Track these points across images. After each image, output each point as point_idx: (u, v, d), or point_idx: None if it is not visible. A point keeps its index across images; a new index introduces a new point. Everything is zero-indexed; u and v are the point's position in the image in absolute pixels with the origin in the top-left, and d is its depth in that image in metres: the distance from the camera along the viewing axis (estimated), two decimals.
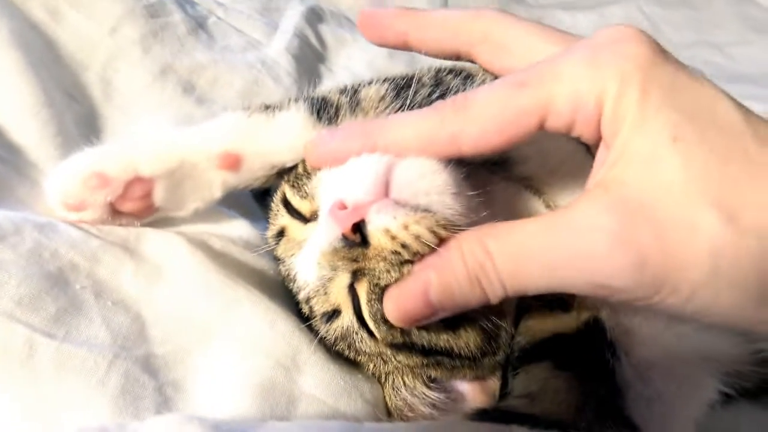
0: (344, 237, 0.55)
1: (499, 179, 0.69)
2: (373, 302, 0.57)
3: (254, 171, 0.67)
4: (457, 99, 0.44)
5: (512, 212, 0.67)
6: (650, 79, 0.42)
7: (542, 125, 0.45)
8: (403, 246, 0.53)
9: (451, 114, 0.45)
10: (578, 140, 0.49)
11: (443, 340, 0.60)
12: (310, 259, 0.60)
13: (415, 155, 0.51)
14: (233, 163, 0.66)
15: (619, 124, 0.43)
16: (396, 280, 0.54)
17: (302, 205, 0.64)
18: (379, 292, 0.56)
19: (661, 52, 0.44)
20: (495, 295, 0.47)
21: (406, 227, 0.52)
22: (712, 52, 1.67)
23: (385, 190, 0.54)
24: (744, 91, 1.32)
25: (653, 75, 0.42)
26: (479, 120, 0.45)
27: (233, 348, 0.58)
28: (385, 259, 0.54)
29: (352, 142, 0.51)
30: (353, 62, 1.14)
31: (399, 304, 0.51)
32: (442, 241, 0.53)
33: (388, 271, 0.54)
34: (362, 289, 0.58)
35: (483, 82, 0.67)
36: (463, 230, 0.54)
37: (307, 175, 0.64)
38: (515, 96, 0.44)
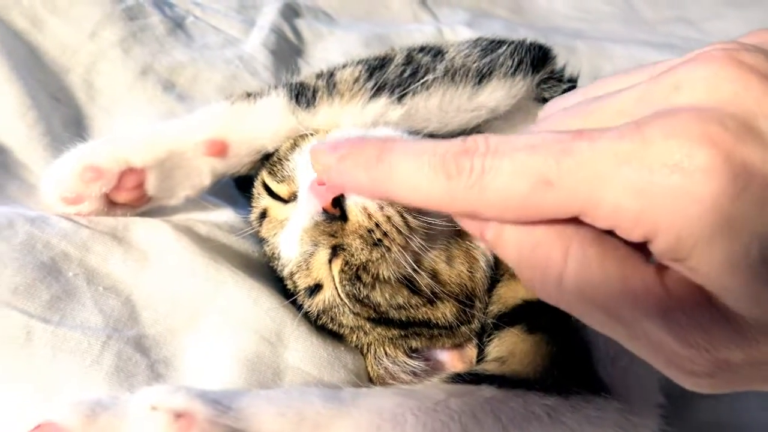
0: (324, 211, 0.59)
1: None
2: (344, 281, 0.61)
3: (241, 156, 0.70)
4: (474, 169, 0.33)
5: None
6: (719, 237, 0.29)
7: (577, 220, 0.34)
8: (377, 225, 0.58)
9: (463, 190, 0.34)
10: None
11: (421, 312, 0.64)
12: (293, 235, 0.64)
13: None
14: (220, 149, 0.69)
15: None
16: (367, 261, 0.59)
17: (280, 189, 0.68)
18: (350, 271, 0.60)
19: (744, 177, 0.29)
20: None
21: (381, 207, 0.58)
22: (687, 27, 1.70)
23: None
24: None
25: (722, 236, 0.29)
26: (494, 208, 0.34)
27: (220, 326, 0.61)
28: (361, 236, 0.59)
29: (358, 173, 0.38)
30: (330, 54, 1.17)
31: None
32: (410, 227, 0.58)
33: (362, 250, 0.59)
34: (336, 268, 0.61)
35: (452, 59, 0.69)
36: (431, 219, 0.58)
37: (283, 160, 0.68)
38: (538, 196, 0.32)
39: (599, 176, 0.31)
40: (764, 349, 0.31)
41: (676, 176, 0.29)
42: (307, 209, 0.61)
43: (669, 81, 0.33)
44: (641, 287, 0.32)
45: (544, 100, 0.71)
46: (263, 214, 0.70)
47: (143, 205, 0.70)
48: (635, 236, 0.31)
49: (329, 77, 0.70)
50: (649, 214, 0.30)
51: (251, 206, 0.73)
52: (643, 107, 0.33)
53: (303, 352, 0.62)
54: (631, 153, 0.30)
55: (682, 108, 0.31)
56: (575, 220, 0.33)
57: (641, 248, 0.33)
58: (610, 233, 0.33)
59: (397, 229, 0.58)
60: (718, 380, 0.33)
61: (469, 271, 0.64)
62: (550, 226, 0.34)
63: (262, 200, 0.70)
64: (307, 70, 1.12)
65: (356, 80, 0.68)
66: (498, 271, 0.67)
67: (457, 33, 1.36)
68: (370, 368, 0.68)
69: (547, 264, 0.34)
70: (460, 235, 0.64)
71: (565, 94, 0.42)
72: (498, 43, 0.71)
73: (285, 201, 0.68)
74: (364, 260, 0.60)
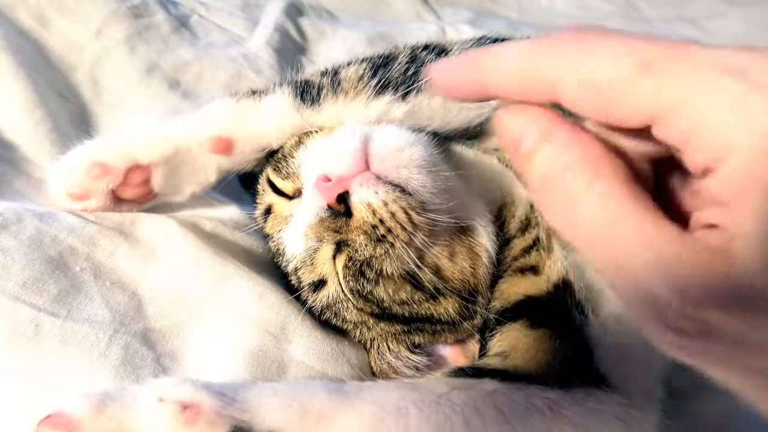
0: (329, 207, 0.60)
1: (474, 152, 0.74)
2: (348, 277, 0.62)
3: (246, 153, 0.71)
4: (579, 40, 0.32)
5: (487, 188, 0.71)
6: None
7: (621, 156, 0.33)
8: (381, 221, 0.59)
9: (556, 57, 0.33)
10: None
11: (424, 308, 0.65)
12: (297, 231, 0.64)
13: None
14: (225, 147, 0.70)
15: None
16: (370, 257, 0.60)
17: (285, 185, 0.68)
18: (354, 267, 0.61)
19: None
20: None
21: (385, 204, 0.58)
22: (687, 26, 1.71)
23: (366, 163, 0.59)
24: None
25: None
26: (586, 83, 0.32)
27: (225, 320, 0.62)
28: (365, 232, 0.59)
29: (465, 74, 0.39)
30: (333, 52, 1.18)
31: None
32: (413, 223, 0.58)
33: (366, 246, 0.60)
34: (340, 263, 0.62)
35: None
36: (435, 216, 0.59)
37: (288, 157, 0.69)
38: (630, 81, 0.31)
39: (698, 78, 0.29)
40: (756, 326, 0.29)
41: None
42: (312, 205, 0.62)
43: None
44: (658, 244, 0.30)
45: None
46: (268, 211, 0.70)
47: (149, 201, 0.70)
48: (705, 154, 0.29)
49: (334, 75, 0.70)
50: (733, 132, 0.28)
51: (256, 203, 0.74)
52: None
53: (307, 346, 0.63)
54: (743, 67, 0.29)
55: None
56: (619, 156, 0.32)
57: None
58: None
59: (400, 225, 0.59)
60: (696, 346, 0.31)
61: (472, 267, 0.65)
62: (588, 152, 0.32)
63: (266, 197, 0.70)
64: (311, 68, 1.13)
65: (360, 78, 0.69)
66: (500, 267, 0.68)
67: (459, 32, 1.37)
68: (373, 363, 0.68)
69: (568, 190, 0.32)
70: (462, 231, 0.64)
71: None
72: (501, 42, 0.72)
73: (289, 197, 0.68)
74: (367, 256, 0.60)
